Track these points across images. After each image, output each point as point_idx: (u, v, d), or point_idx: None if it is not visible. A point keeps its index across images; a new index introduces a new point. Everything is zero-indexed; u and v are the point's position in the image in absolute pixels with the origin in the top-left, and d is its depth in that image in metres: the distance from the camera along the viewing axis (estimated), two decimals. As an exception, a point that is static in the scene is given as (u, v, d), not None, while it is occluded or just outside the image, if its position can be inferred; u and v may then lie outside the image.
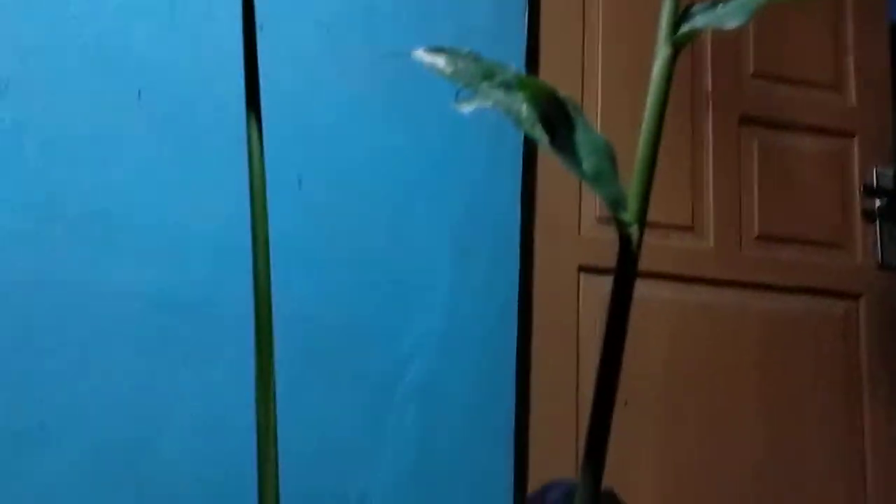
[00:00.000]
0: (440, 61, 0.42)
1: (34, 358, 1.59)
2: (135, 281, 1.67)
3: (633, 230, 0.43)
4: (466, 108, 0.40)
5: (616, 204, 0.42)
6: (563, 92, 0.43)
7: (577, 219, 2.05)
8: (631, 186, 0.43)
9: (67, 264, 1.64)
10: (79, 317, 1.63)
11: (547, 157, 2.03)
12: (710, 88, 2.21)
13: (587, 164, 0.42)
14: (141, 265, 1.68)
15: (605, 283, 1.84)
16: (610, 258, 0.44)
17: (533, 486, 1.76)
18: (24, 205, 1.63)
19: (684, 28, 0.44)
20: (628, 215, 0.42)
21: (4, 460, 1.54)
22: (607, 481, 1.43)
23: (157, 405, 1.64)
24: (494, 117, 1.90)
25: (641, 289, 2.02)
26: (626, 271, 0.44)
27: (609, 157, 0.43)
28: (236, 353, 1.65)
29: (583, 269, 2.03)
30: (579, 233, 2.05)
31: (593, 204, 2.06)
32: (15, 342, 1.59)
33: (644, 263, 1.78)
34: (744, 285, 2.15)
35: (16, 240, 1.62)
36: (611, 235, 1.78)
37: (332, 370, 1.75)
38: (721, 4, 0.44)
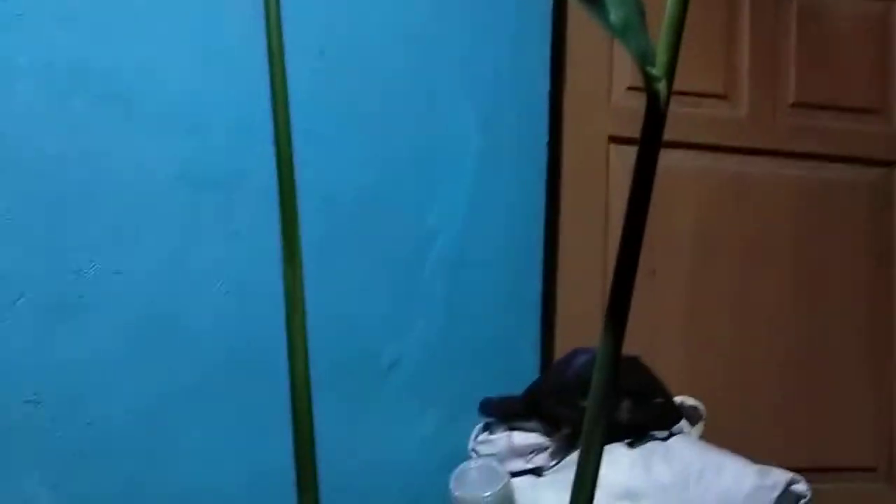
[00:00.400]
0: None
1: (68, 231, 1.62)
2: (159, 155, 1.67)
3: (661, 86, 0.41)
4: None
5: (644, 57, 0.40)
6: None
7: (608, 88, 2.01)
8: (660, 39, 0.41)
9: (91, 138, 1.64)
10: (107, 191, 1.64)
11: (577, 25, 1.97)
12: (748, -52, 2.12)
13: (615, 15, 0.40)
14: (164, 139, 1.67)
15: (636, 154, 1.80)
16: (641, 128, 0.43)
17: (560, 353, 1.78)
18: (46, 78, 1.62)
19: None
20: (656, 69, 0.41)
21: (46, 329, 1.59)
22: (636, 350, 1.45)
23: (188, 276, 1.67)
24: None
25: (671, 159, 1.99)
26: (652, 130, 0.43)
27: (638, 9, 0.41)
28: (265, 225, 1.66)
29: (613, 139, 2.00)
30: (610, 102, 2.01)
31: (624, 72, 2.01)
32: (49, 215, 1.61)
33: (675, 133, 1.74)
34: (777, 154, 2.12)
35: (39, 113, 1.62)
36: (643, 104, 1.74)
37: (360, 243, 1.77)
38: None
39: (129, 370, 1.62)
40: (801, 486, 1.36)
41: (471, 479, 0.93)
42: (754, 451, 1.42)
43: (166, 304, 1.65)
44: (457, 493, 0.94)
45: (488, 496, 0.93)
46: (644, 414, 1.38)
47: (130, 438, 1.60)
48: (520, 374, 1.71)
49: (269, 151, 0.57)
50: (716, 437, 1.45)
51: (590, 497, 0.50)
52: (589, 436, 0.50)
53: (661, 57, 0.41)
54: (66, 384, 1.58)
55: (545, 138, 1.92)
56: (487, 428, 1.51)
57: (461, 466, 0.94)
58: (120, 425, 1.60)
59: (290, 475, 0.52)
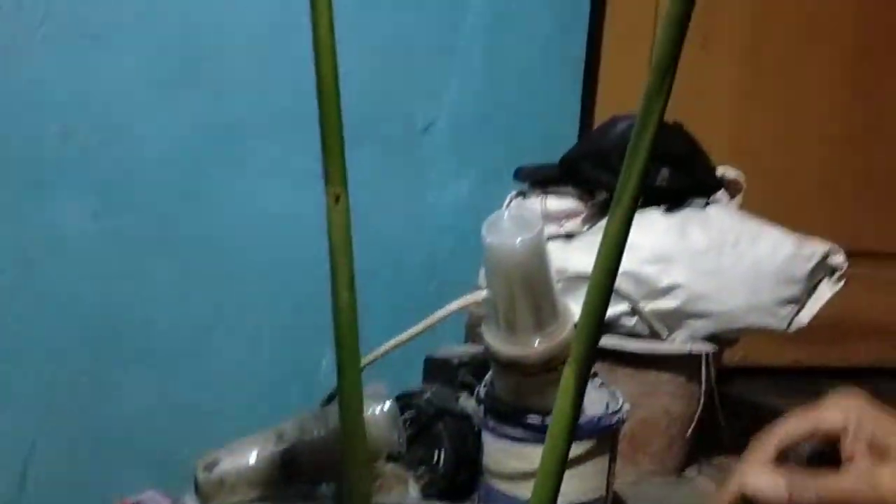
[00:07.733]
0: None
1: None
2: None
3: None
4: None
5: None
6: None
7: None
8: None
9: None
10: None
11: None
12: None
13: None
14: None
15: None
16: None
17: (599, 120, 1.72)
18: None
19: None
20: None
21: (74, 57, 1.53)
22: (684, 117, 1.39)
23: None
24: None
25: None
26: None
27: None
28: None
29: None
30: None
31: None
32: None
33: None
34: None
35: None
36: None
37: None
38: None
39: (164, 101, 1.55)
40: (838, 258, 1.34)
41: (503, 226, 0.89)
42: (796, 225, 1.38)
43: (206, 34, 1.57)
44: (489, 240, 0.91)
45: (521, 242, 0.90)
46: (683, 181, 1.33)
47: (164, 173, 1.57)
48: (558, 140, 1.65)
49: None
50: (756, 210, 1.41)
51: (617, 256, 0.47)
52: (620, 195, 0.47)
53: None
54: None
55: None
56: (521, 194, 1.49)
57: (493, 215, 0.90)
58: (153, 159, 1.56)
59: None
